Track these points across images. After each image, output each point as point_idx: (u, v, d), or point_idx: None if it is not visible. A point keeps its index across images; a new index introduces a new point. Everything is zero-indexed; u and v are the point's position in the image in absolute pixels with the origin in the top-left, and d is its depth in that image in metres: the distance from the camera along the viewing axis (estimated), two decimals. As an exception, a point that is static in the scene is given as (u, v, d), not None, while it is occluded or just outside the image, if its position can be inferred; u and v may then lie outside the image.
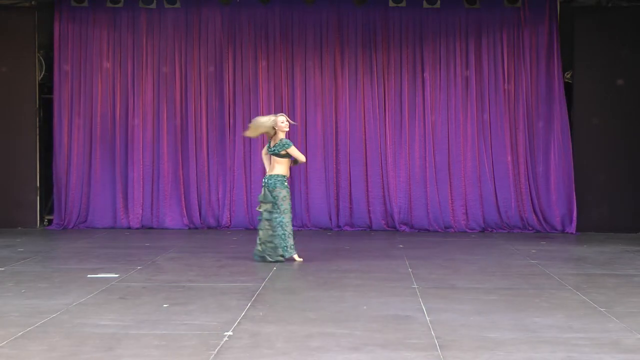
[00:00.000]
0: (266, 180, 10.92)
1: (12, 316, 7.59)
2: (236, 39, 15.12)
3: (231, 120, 15.09)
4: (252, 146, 14.92)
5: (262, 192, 10.90)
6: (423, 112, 15.01)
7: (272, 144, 10.95)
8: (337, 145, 15.06)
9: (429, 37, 15.01)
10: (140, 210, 15.00)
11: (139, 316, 7.63)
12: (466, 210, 14.88)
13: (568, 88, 14.94)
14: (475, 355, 6.34)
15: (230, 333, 6.97)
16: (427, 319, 7.58)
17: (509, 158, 14.87)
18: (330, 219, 15.04)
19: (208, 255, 11.70)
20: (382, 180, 14.98)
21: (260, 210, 10.93)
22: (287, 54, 15.09)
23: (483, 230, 14.79)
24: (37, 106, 15.16)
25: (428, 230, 14.83)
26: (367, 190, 15.00)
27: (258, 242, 10.97)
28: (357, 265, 10.94)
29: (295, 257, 11.00)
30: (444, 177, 14.94)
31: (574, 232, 14.58)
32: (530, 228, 14.74)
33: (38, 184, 15.20)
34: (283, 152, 10.88)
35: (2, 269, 10.37)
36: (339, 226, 15.00)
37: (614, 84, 14.70)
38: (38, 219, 15.20)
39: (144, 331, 7.04)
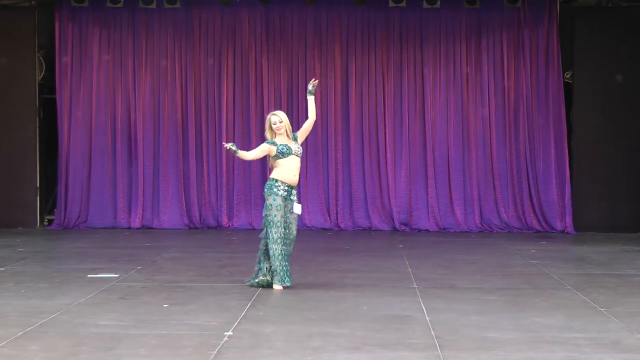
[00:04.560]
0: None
1: (12, 316, 7.59)
2: (236, 39, 15.12)
3: (231, 120, 15.09)
4: (251, 146, 14.89)
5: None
6: (423, 111, 15.01)
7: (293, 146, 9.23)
8: (337, 144, 15.06)
9: (429, 37, 15.01)
10: (141, 210, 15.00)
11: (139, 316, 7.63)
12: (466, 210, 14.88)
13: (568, 88, 14.95)
14: (475, 355, 6.34)
15: (230, 333, 6.97)
16: (427, 319, 7.58)
17: (509, 158, 14.88)
18: (330, 219, 15.04)
19: (208, 255, 11.70)
20: (382, 180, 14.98)
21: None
22: (287, 54, 15.09)
23: (483, 230, 14.79)
24: (37, 106, 15.16)
25: (428, 230, 14.83)
26: (367, 190, 15.00)
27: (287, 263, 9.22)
28: (357, 265, 10.93)
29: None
30: (444, 177, 14.95)
31: (574, 231, 14.58)
32: (530, 228, 14.74)
33: (38, 184, 15.20)
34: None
35: (2, 269, 10.37)
36: (338, 226, 14.99)
37: (614, 84, 14.70)
38: (38, 219, 15.19)
39: (144, 331, 7.03)
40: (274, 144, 9.13)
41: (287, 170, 9.10)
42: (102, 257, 11.44)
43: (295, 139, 9.20)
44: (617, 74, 14.67)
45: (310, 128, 9.38)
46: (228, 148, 9.13)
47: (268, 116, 9.24)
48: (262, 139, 9.37)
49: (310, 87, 9.27)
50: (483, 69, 14.95)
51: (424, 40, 15.04)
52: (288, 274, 9.07)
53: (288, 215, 9.09)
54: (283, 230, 8.99)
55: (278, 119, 9.10)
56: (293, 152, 9.14)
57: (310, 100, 9.30)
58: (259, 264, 9.13)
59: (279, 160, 9.13)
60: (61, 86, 15.02)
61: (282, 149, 9.10)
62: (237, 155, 9.22)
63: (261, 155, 9.27)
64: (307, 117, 9.34)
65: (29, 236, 13.94)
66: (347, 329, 7.15)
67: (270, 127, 9.13)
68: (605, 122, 14.73)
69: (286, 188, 9.07)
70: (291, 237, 9.11)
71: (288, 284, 9.05)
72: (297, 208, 9.15)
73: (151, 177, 15.09)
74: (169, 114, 15.12)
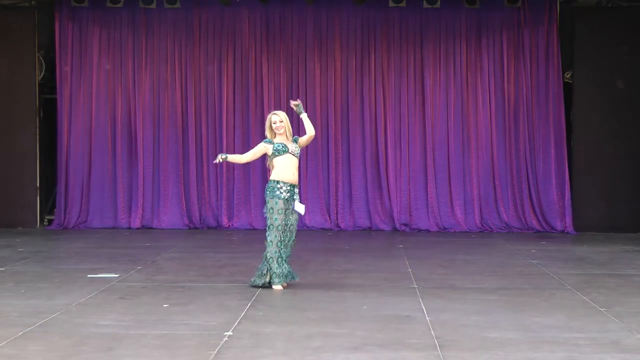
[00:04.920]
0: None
1: (12, 316, 7.59)
2: (236, 39, 15.12)
3: (231, 120, 15.10)
4: (252, 146, 14.88)
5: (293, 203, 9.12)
6: (423, 112, 15.02)
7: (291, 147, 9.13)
8: (337, 144, 15.06)
9: (429, 37, 15.01)
10: (141, 210, 15.00)
11: (139, 316, 7.63)
12: (466, 210, 14.88)
13: (568, 88, 14.95)
14: (475, 355, 6.34)
15: (230, 333, 6.97)
16: (427, 319, 7.58)
17: (509, 158, 14.88)
18: (330, 219, 15.04)
19: (208, 255, 11.71)
20: (382, 180, 14.98)
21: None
22: (287, 54, 15.09)
23: (483, 230, 14.79)
24: (37, 106, 15.15)
25: (428, 230, 14.83)
26: (367, 190, 15.00)
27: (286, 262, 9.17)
28: (357, 265, 10.94)
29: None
30: (444, 177, 14.95)
31: (574, 231, 14.58)
32: (530, 228, 14.74)
33: (38, 184, 15.19)
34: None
35: (2, 269, 10.37)
36: (338, 226, 14.99)
37: (614, 84, 14.70)
38: (38, 219, 15.19)
39: (144, 331, 7.04)
40: (270, 142, 9.08)
41: (285, 169, 9.01)
42: (102, 257, 11.44)
43: (295, 142, 9.14)
44: (617, 79, 14.66)
45: (309, 141, 9.27)
46: (219, 161, 9.11)
47: (269, 115, 9.19)
48: (262, 139, 9.27)
49: (295, 108, 9.22)
50: (483, 69, 14.95)
51: (424, 40, 15.05)
52: (290, 273, 9.08)
53: (290, 217, 9.04)
54: (282, 233, 8.95)
55: (279, 118, 9.04)
56: (289, 151, 9.04)
57: (303, 117, 9.24)
58: (263, 265, 9.09)
59: (276, 159, 9.04)
60: (61, 86, 15.03)
61: (278, 147, 9.02)
62: (230, 160, 9.18)
63: (257, 155, 9.22)
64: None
65: (29, 236, 13.94)
66: (347, 329, 7.15)
67: (271, 127, 9.07)
68: (605, 122, 14.73)
69: (288, 188, 8.98)
70: (292, 240, 9.08)
71: (296, 279, 9.14)
72: (300, 208, 9.07)
73: (151, 177, 15.09)
74: (169, 114, 15.13)
